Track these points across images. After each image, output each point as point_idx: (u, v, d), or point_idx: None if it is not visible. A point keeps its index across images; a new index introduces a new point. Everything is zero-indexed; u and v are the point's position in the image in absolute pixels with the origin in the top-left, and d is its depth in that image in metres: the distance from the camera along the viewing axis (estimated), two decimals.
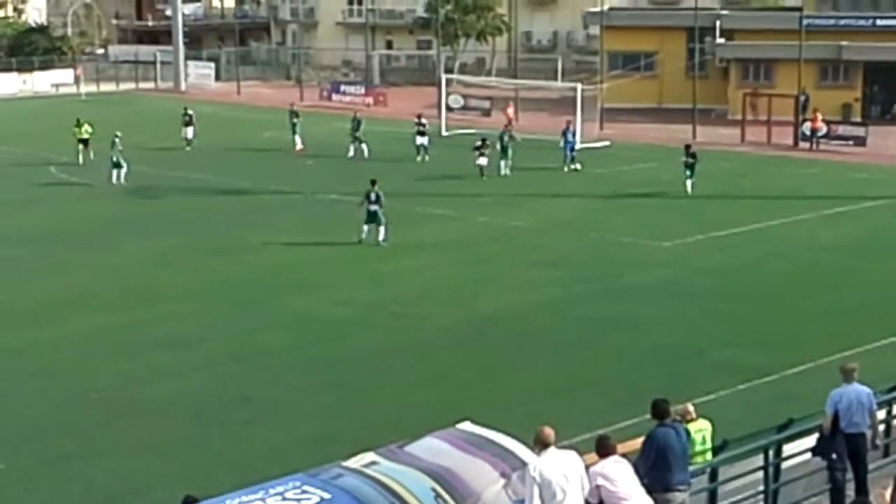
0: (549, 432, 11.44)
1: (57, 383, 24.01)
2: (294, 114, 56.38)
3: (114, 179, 46.27)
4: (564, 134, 50.71)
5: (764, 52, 65.20)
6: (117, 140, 46.81)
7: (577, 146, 50.92)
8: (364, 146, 52.41)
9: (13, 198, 44.53)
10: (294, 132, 55.61)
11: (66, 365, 25.21)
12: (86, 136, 51.85)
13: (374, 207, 35.13)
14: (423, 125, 52.40)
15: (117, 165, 46.29)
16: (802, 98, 59.28)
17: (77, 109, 67.21)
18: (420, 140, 51.89)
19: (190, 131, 56.50)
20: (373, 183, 35.43)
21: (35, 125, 66.29)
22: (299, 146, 54.94)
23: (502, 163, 48.03)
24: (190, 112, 57.16)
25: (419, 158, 51.35)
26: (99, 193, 45.29)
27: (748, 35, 67.05)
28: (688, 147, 44.89)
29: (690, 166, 43.57)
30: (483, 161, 46.69)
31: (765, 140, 57.31)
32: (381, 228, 35.11)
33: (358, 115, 54.91)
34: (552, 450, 11.36)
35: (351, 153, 52.68)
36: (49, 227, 39.04)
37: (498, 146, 48.47)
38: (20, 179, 48.50)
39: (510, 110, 62.56)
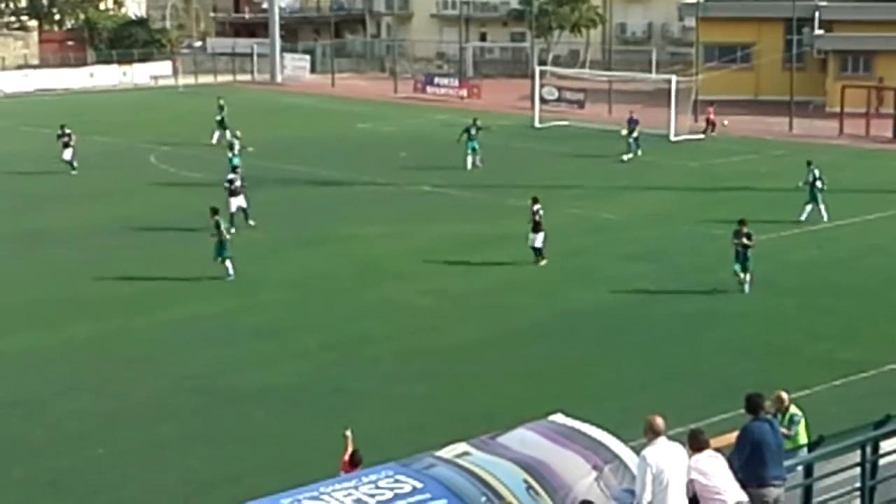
0: (661, 422, 11.34)
1: (153, 371, 24.45)
2: (221, 108, 55.65)
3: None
4: (629, 123, 50.54)
5: (863, 44, 64.10)
6: (237, 141, 44.96)
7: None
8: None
9: (114, 188, 45.27)
10: (220, 126, 54.09)
11: (162, 353, 25.66)
12: None
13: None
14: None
15: (235, 167, 41.85)
16: None
17: (175, 100, 68.33)
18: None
19: (68, 153, 47.04)
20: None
21: (135, 116, 67.33)
22: (217, 139, 53.40)
23: (822, 207, 37.01)
24: (68, 130, 47.31)
25: None
26: (197, 184, 45.86)
27: (847, 26, 65.90)
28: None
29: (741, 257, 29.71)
30: None
31: (863, 133, 56.35)
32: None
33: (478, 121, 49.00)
34: (663, 439, 11.27)
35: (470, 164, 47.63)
36: (147, 216, 39.61)
37: (808, 190, 37.24)
38: (121, 170, 49.33)
39: (712, 112, 57.39)
